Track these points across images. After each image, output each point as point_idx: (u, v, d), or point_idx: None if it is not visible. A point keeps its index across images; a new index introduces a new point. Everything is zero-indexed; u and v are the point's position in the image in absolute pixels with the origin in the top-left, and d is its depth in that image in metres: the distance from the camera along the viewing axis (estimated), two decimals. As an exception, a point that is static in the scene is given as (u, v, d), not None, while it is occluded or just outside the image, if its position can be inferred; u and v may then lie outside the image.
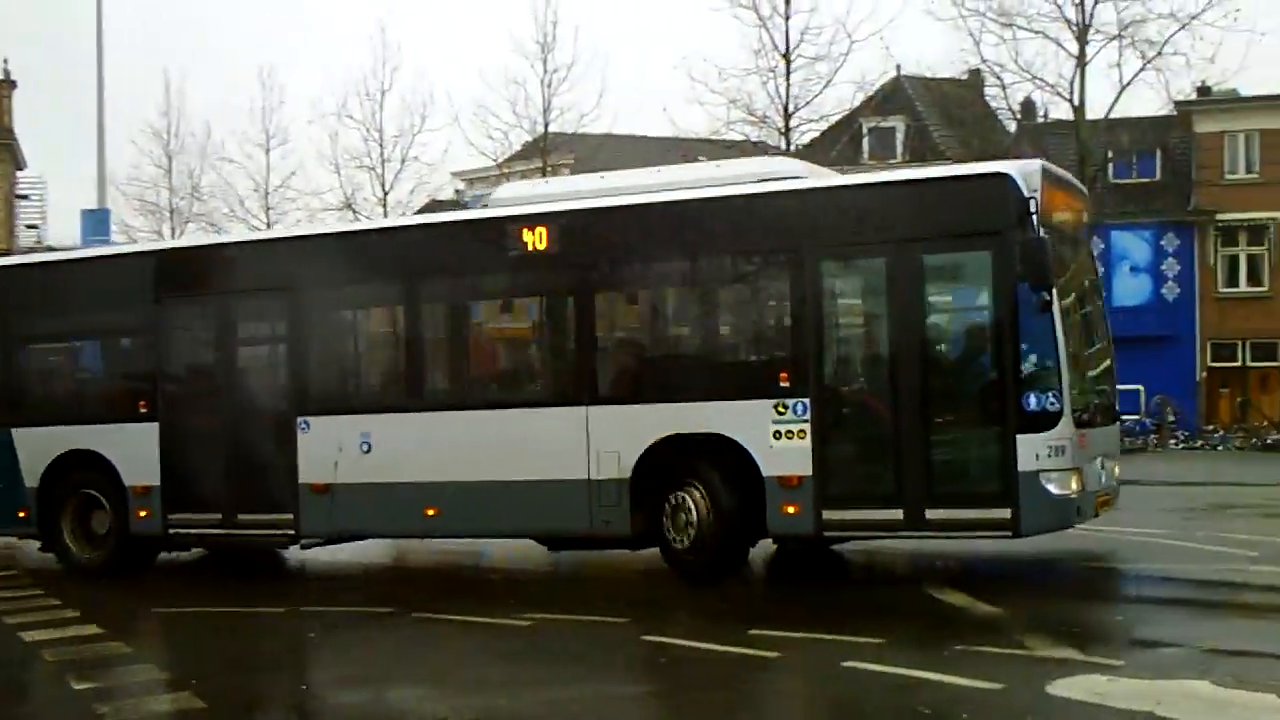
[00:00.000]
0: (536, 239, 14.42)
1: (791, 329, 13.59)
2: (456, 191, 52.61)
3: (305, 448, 15.41)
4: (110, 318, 17.13)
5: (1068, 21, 26.96)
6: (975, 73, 30.03)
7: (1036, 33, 27.14)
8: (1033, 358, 12.72)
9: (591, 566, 15.49)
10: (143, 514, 16.10)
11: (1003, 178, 12.76)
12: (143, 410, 16.25)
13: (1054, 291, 12.46)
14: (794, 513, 13.28)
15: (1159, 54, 26.47)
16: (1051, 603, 12.87)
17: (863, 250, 13.51)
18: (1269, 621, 11.78)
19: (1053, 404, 12.58)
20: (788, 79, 30.81)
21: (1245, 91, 42.53)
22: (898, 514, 13.00)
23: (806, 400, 13.20)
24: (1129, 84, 31.23)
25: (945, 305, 13.70)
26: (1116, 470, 14.32)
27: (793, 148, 30.81)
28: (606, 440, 13.95)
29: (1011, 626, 11.09)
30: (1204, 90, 40.93)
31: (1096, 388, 14.13)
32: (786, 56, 30.70)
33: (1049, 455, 12.57)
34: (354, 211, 39.71)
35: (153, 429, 16.14)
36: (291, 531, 15.55)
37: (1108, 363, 14.66)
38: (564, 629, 11.98)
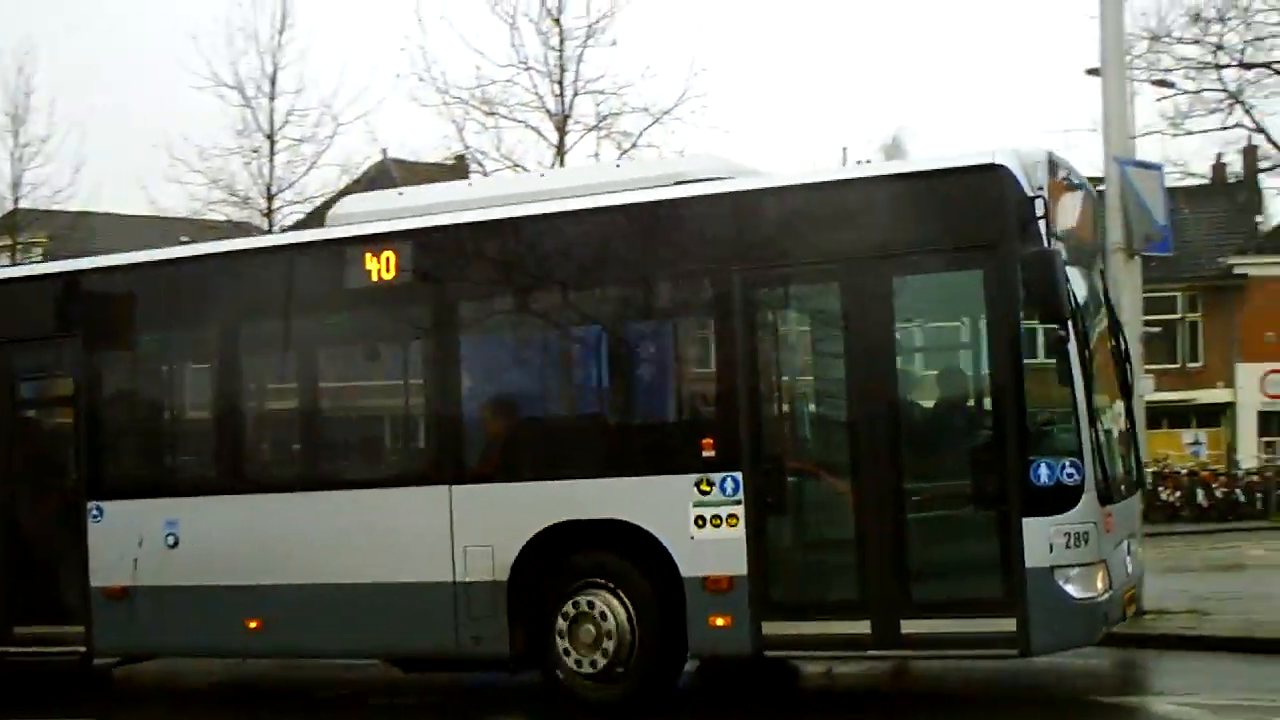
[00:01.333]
0: (382, 266, 10.97)
1: (718, 380, 10.17)
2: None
3: (97, 540, 11.88)
4: None
5: (548, 112, 27.05)
6: (460, 158, 29.68)
7: (518, 121, 27.35)
8: (1043, 413, 9.47)
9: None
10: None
11: (997, 171, 9.37)
12: None
13: (1070, 323, 9.22)
14: (724, 625, 9.84)
15: (634, 145, 27.50)
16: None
17: (811, 274, 10.08)
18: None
19: (1070, 476, 9.24)
20: (271, 160, 30.78)
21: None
22: (864, 627, 9.59)
23: (738, 475, 9.80)
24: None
25: (923, 344, 10.33)
26: (1140, 554, 11.08)
27: (276, 229, 30.49)
28: (476, 530, 10.50)
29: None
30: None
31: (1118, 448, 10.83)
32: (270, 137, 30.61)
33: (1066, 545, 9.20)
34: None
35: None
36: (82, 648, 11.96)
37: (1125, 413, 11.40)
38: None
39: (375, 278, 11.00)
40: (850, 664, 11.26)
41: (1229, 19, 19.16)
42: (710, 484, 9.88)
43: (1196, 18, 19.09)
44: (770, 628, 9.79)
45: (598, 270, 10.59)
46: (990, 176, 9.40)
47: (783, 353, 10.24)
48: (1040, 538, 9.17)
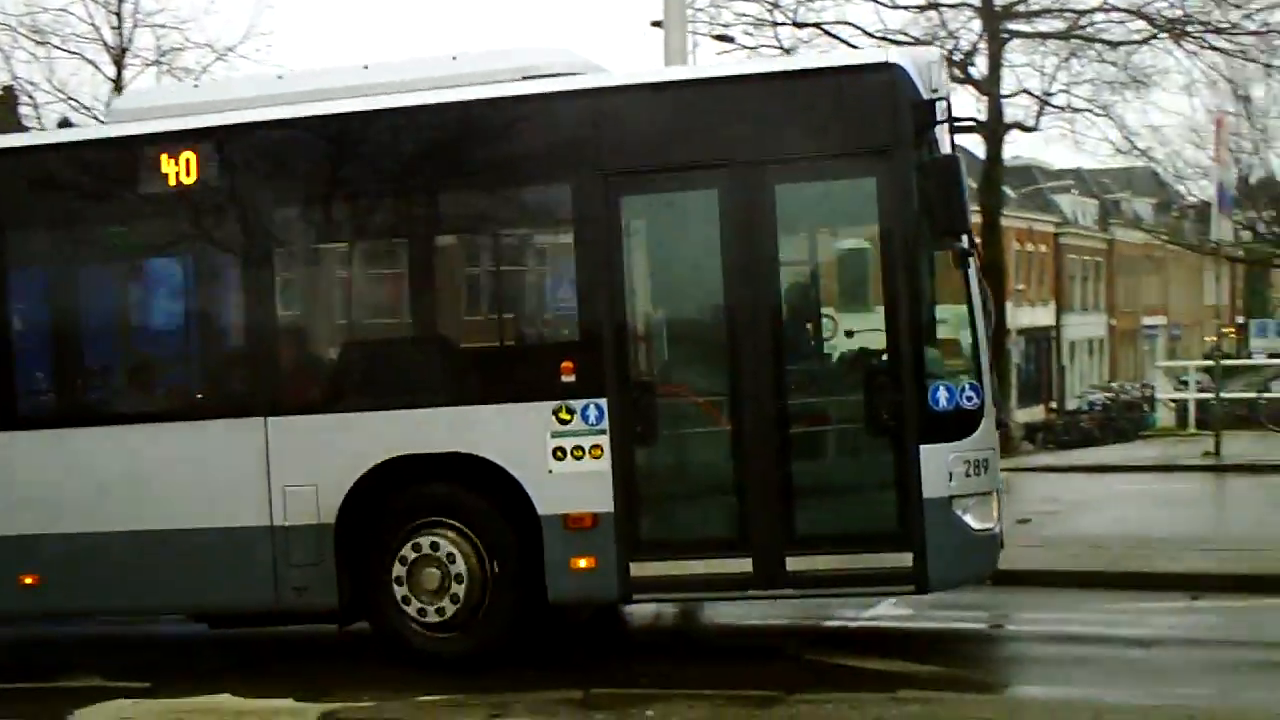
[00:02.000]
0: (181, 169, 9.37)
1: (579, 297, 9.01)
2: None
3: None
4: None
5: (105, 45, 25.64)
6: (8, 89, 28.38)
7: (72, 53, 25.79)
8: (941, 333, 8.72)
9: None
10: None
11: (892, 70, 8.52)
12: None
13: (972, 236, 8.44)
14: (588, 568, 8.82)
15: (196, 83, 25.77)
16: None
17: (685, 180, 8.97)
18: None
19: (970, 400, 8.54)
20: None
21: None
22: (745, 565, 8.72)
23: (602, 402, 8.75)
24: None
25: (808, 258, 9.35)
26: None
27: None
28: (297, 468, 9.17)
29: None
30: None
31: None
32: None
33: (966, 474, 8.52)
34: None
35: None
36: None
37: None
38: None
39: (173, 182, 9.42)
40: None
41: None
42: (570, 412, 8.79)
43: None
44: (639, 569, 8.81)
45: (439, 174, 9.28)
46: (885, 76, 8.53)
47: (653, 267, 9.16)
48: (939, 466, 8.44)
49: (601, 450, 8.78)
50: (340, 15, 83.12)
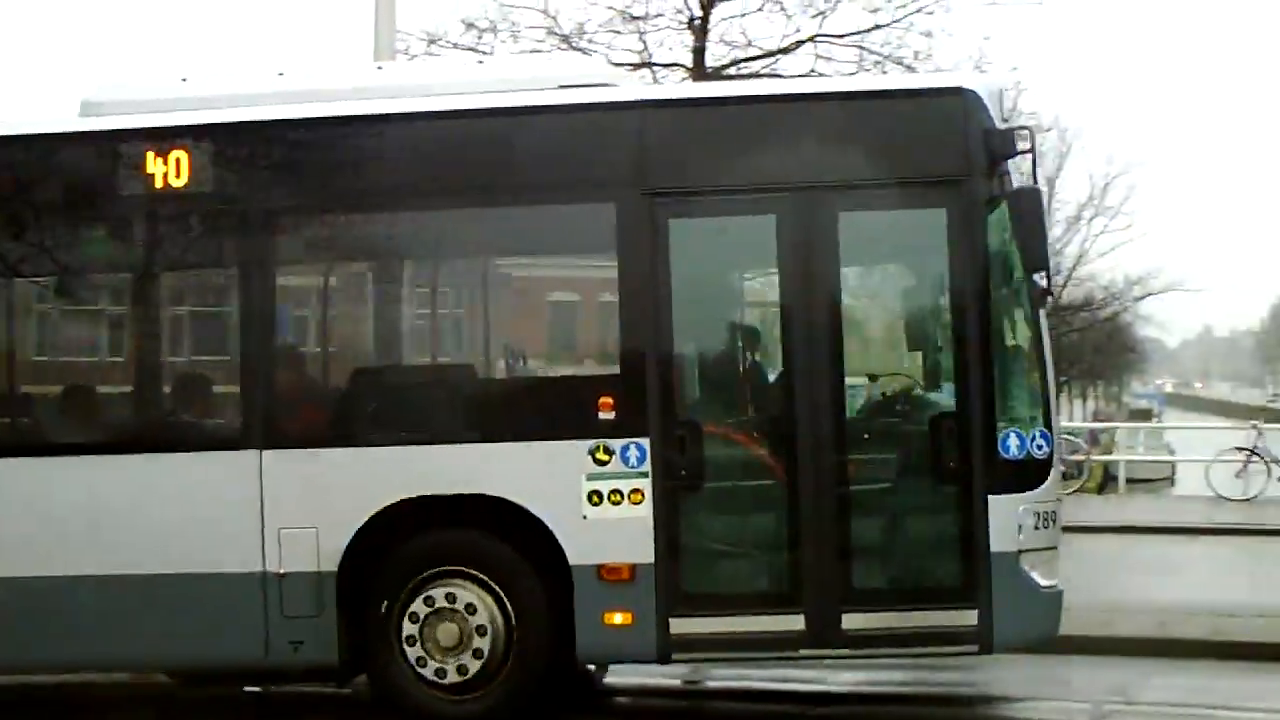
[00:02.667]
0: (170, 169, 8.38)
1: (622, 327, 8.27)
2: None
3: None
4: None
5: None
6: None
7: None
8: (1014, 377, 8.23)
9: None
10: None
11: (963, 95, 8.04)
12: None
13: (1050, 274, 7.99)
14: (623, 624, 8.05)
15: None
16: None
17: (737, 204, 8.30)
18: None
19: (1040, 448, 8.03)
20: None
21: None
22: (797, 622, 8.08)
23: (644, 442, 8.00)
24: None
25: (873, 291, 8.88)
26: None
27: None
28: (296, 508, 8.21)
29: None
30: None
31: None
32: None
33: (1035, 526, 8.01)
34: None
35: None
36: None
37: None
38: None
39: (160, 184, 8.43)
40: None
41: (500, 29, 19.12)
42: (609, 452, 8.03)
43: (470, 25, 19.04)
44: (680, 625, 8.07)
45: (470, 185, 8.40)
46: (955, 101, 8.03)
47: (702, 298, 8.49)
48: (1008, 518, 7.91)
49: (642, 495, 8.03)
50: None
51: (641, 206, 8.09)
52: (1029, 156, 7.87)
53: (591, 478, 8.06)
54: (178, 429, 8.77)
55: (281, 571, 8.20)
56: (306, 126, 8.47)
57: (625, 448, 8.04)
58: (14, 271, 8.78)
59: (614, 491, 8.05)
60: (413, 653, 8.18)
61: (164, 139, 8.42)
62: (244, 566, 8.23)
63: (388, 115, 8.45)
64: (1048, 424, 8.08)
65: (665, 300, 8.12)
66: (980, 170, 7.93)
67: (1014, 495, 7.93)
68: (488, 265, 8.68)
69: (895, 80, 8.54)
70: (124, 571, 8.29)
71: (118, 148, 8.57)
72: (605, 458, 8.05)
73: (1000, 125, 8.01)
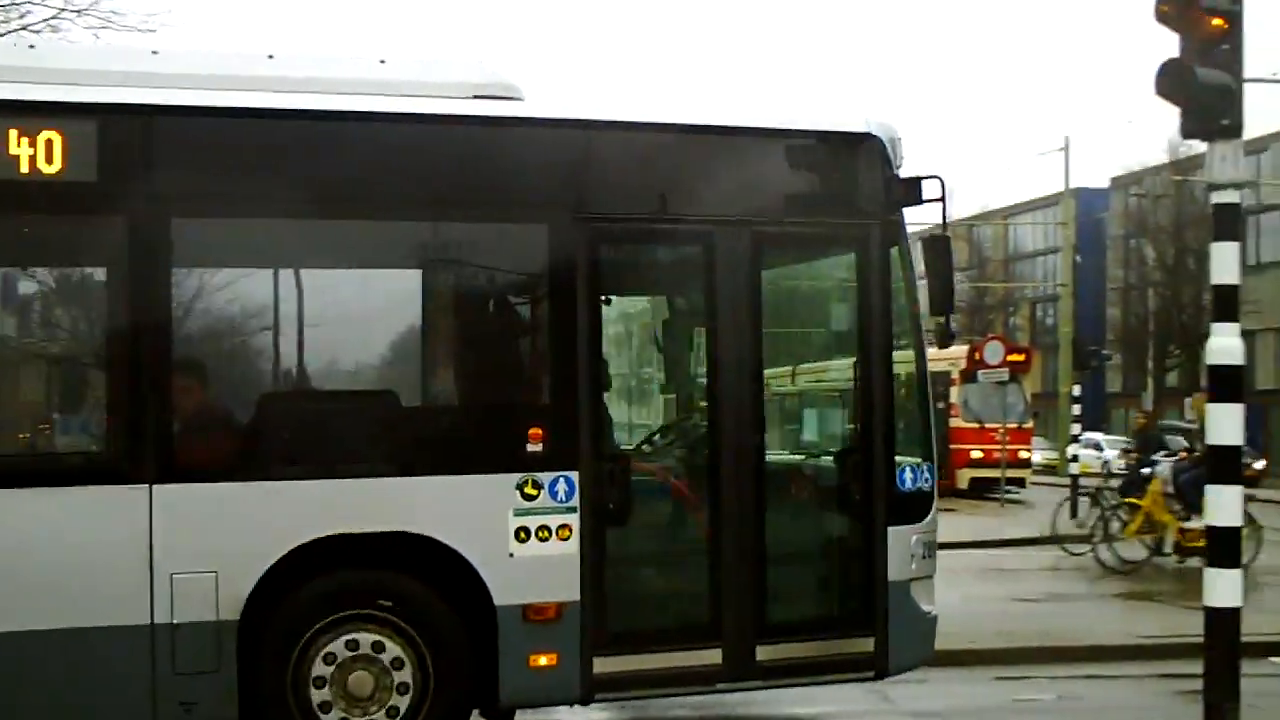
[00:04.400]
0: (41, 153, 7.15)
1: (551, 355, 7.95)
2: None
3: None
4: None
5: None
6: None
7: None
8: (907, 414, 8.63)
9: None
10: None
11: (872, 141, 8.44)
12: None
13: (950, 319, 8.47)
14: (548, 665, 7.72)
15: None
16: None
17: (664, 230, 8.20)
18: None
19: (926, 480, 8.56)
20: None
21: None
22: (715, 656, 8.08)
23: (573, 476, 7.75)
24: None
25: (786, 328, 8.95)
26: None
27: None
28: (191, 550, 7.21)
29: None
30: None
31: None
32: None
33: (924, 555, 8.52)
34: None
35: None
36: None
37: None
38: None
39: (26, 168, 7.18)
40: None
41: None
42: (537, 486, 7.72)
43: None
44: (603, 665, 7.86)
45: (393, 194, 7.72)
46: (868, 147, 8.38)
47: (630, 326, 8.28)
48: (903, 548, 8.36)
49: (570, 531, 7.76)
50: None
51: (576, 229, 7.82)
52: (939, 204, 8.37)
53: (519, 513, 7.70)
54: (47, 459, 7.52)
55: (174, 622, 7.24)
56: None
57: (554, 481, 7.75)
58: None
59: (542, 527, 7.72)
60: (319, 698, 7.41)
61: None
62: (127, 618, 7.18)
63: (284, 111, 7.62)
64: (930, 458, 8.62)
65: (598, 329, 7.92)
66: (890, 215, 8.36)
67: (908, 526, 8.40)
68: (412, 279, 7.97)
69: (802, 117, 8.50)
70: None
71: None
72: (534, 492, 7.72)
73: (916, 176, 8.46)
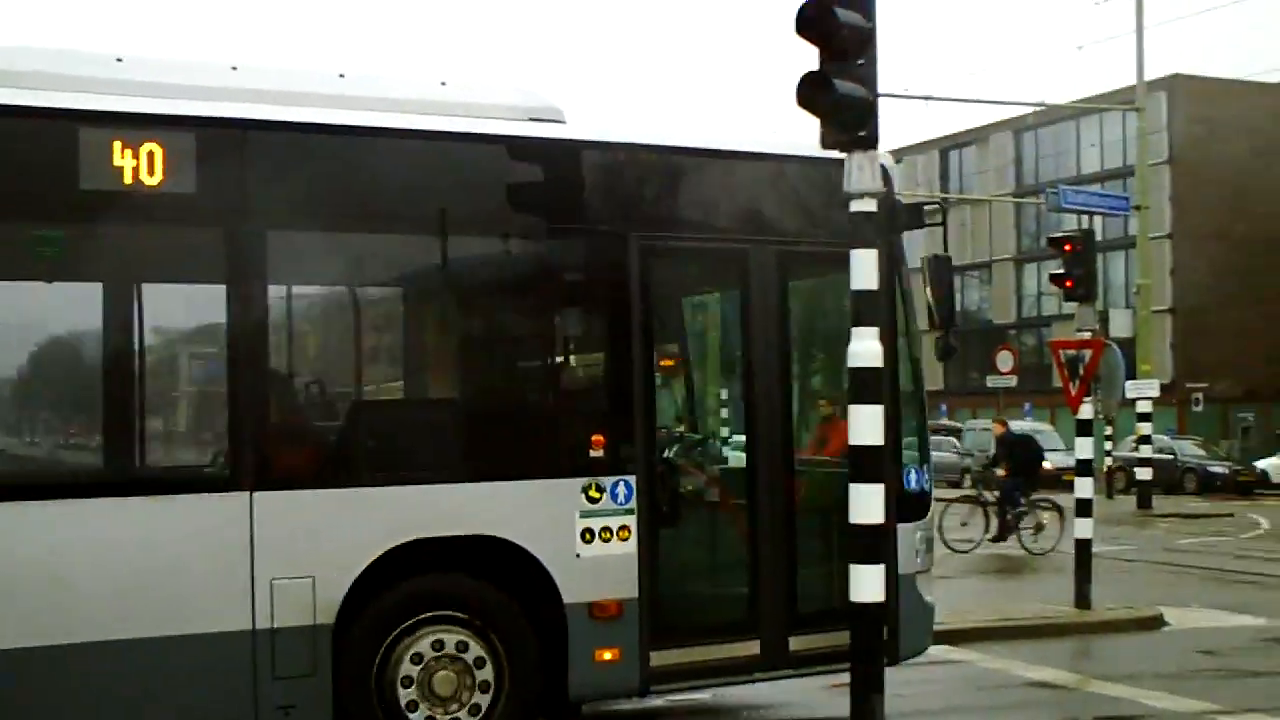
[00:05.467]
0: (143, 165, 7.17)
1: (610, 366, 8.37)
2: None
3: None
4: None
5: None
6: None
7: None
8: (910, 420, 9.31)
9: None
10: None
11: (883, 170, 9.11)
12: None
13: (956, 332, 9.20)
14: (611, 660, 8.14)
15: None
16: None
17: (708, 248, 8.74)
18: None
19: (924, 481, 9.29)
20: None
21: None
22: (753, 647, 8.64)
23: (631, 480, 8.21)
24: None
25: (807, 342, 9.47)
26: None
27: None
28: (290, 555, 7.40)
29: None
30: None
31: None
32: None
33: (926, 550, 9.28)
34: None
35: None
36: None
37: None
38: None
39: (129, 179, 7.20)
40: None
41: None
42: (600, 490, 8.13)
43: None
44: (658, 658, 8.32)
45: (472, 216, 8.04)
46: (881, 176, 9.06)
47: (678, 339, 8.72)
48: (910, 543, 9.08)
49: (629, 531, 8.20)
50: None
51: (635, 250, 8.30)
52: (939, 229, 9.13)
53: (585, 515, 8.11)
54: (153, 468, 7.51)
55: (275, 627, 7.36)
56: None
57: (615, 485, 8.18)
58: None
59: (604, 529, 8.15)
60: (406, 697, 7.64)
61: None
62: (231, 624, 7.26)
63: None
64: (927, 460, 9.35)
65: (649, 342, 8.38)
66: (897, 237, 9.09)
67: (913, 524, 9.12)
68: (485, 299, 8.28)
69: (803, 146, 9.13)
70: (87, 639, 6.96)
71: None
72: (597, 495, 8.13)
73: (915, 201, 9.21)
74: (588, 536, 8.12)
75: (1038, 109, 30.85)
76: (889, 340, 8.98)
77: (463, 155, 8.15)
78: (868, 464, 7.96)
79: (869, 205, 7.91)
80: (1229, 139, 54.38)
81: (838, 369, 9.45)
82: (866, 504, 7.92)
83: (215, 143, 7.41)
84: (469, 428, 8.16)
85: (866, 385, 7.95)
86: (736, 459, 8.88)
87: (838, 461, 9.46)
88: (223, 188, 7.45)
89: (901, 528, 9.02)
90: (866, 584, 7.94)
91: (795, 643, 8.76)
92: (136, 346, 7.32)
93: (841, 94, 7.66)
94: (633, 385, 8.31)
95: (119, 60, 7.57)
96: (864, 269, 7.90)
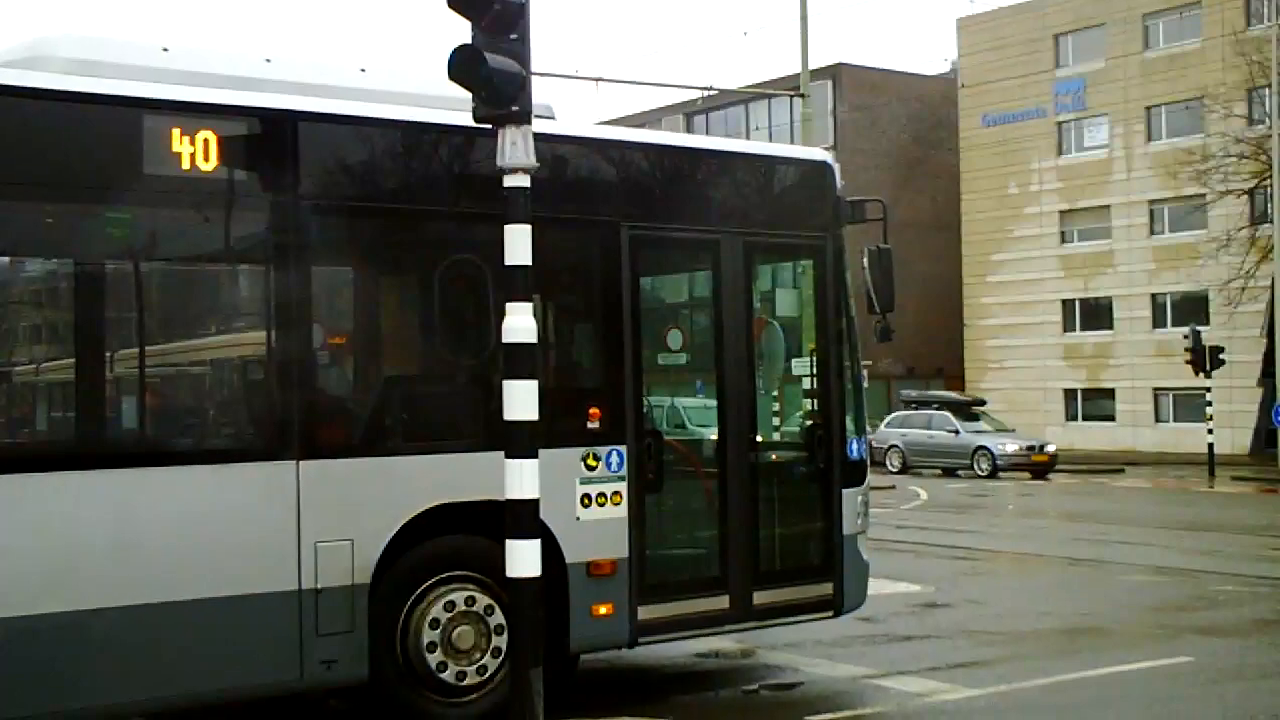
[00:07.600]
0: (199, 151, 7.50)
1: (604, 345, 9.06)
2: None
3: None
4: None
5: None
6: None
7: None
8: (851, 394, 10.20)
9: None
10: None
11: (825, 166, 10.09)
12: None
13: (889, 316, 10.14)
14: (606, 615, 8.86)
15: None
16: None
17: (689, 237, 9.51)
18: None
19: (862, 450, 10.24)
20: None
21: None
22: (723, 602, 9.47)
23: (622, 449, 8.93)
24: None
25: (776, 318, 10.22)
26: None
27: None
28: (333, 519, 7.88)
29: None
30: None
31: None
32: None
33: (865, 513, 10.23)
34: None
35: None
36: None
37: None
38: None
39: (186, 165, 7.53)
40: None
41: None
42: (596, 459, 8.81)
43: None
44: (645, 612, 9.08)
45: (474, 202, 8.45)
46: (820, 172, 10.05)
47: (661, 321, 9.40)
48: (852, 506, 10.02)
49: (621, 497, 8.92)
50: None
51: (626, 238, 9.01)
52: (881, 223, 10.07)
53: (584, 481, 8.80)
54: (208, 438, 7.90)
55: (318, 587, 7.82)
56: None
57: (609, 454, 8.88)
58: None
59: (600, 494, 8.86)
60: (434, 659, 8.23)
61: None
62: (280, 585, 7.70)
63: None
64: (863, 430, 10.30)
65: (638, 323, 9.10)
66: (838, 230, 10.02)
67: (855, 488, 10.09)
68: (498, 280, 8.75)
69: (764, 146, 9.96)
70: (148, 601, 7.33)
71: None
72: (594, 464, 8.82)
73: (862, 198, 10.17)
74: (586, 501, 8.82)
75: (708, 93, 32.13)
76: (836, 323, 9.96)
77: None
78: (521, 439, 7.52)
79: (523, 180, 7.52)
80: (890, 126, 57.49)
81: (800, 348, 10.42)
82: (519, 479, 7.49)
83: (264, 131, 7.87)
84: (490, 402, 8.64)
85: (521, 360, 7.55)
86: (709, 431, 9.69)
87: (796, 434, 10.45)
88: (279, 173, 7.91)
89: (845, 492, 9.98)
90: (522, 560, 7.43)
91: (759, 598, 9.62)
92: (206, 330, 7.76)
93: (493, 68, 7.34)
94: (624, 362, 9.03)
95: (165, 50, 7.91)
96: (517, 245, 7.54)
